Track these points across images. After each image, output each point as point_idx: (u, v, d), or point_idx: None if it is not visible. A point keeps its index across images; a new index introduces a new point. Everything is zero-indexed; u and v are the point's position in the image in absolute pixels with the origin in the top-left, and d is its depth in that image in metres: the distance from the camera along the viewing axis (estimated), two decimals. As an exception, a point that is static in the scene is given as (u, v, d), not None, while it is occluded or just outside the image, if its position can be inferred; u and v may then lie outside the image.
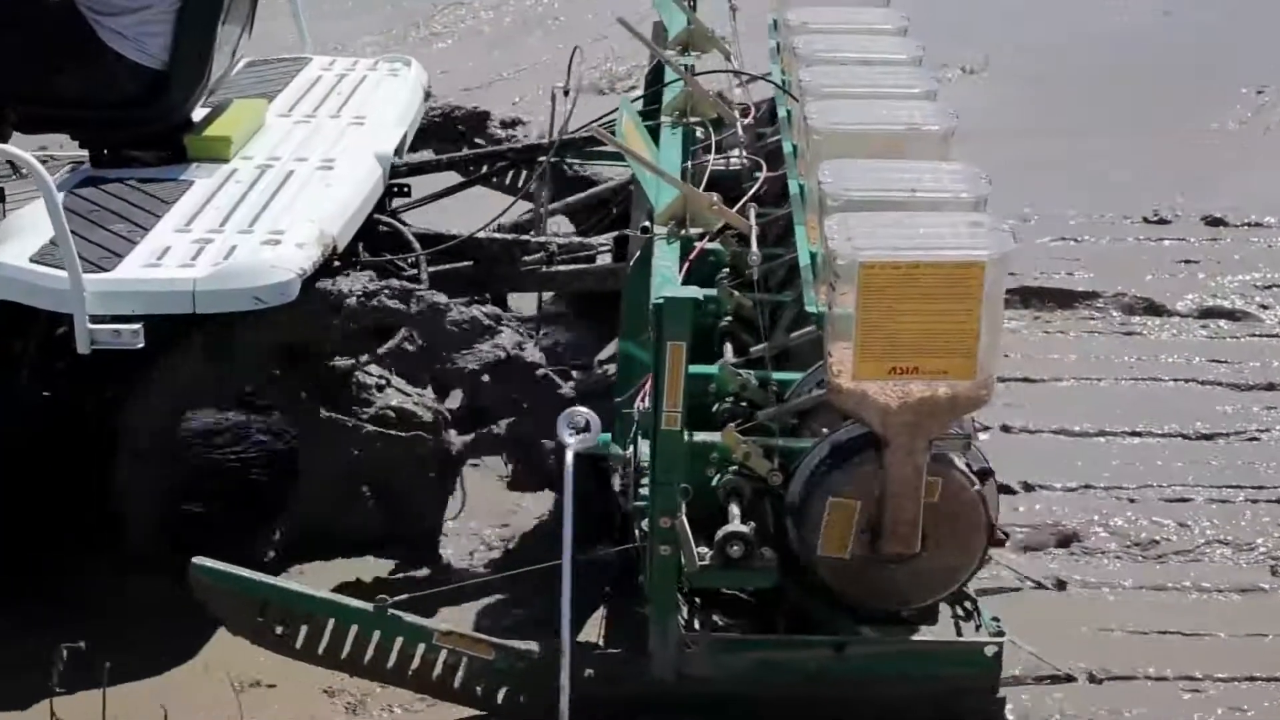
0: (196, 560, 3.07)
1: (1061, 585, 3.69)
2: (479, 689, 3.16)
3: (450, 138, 5.06)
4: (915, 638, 3.12)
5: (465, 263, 4.43)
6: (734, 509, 3.10)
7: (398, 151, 4.44)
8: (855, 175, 3.22)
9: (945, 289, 2.83)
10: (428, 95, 5.06)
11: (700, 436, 3.21)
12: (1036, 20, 8.31)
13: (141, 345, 3.34)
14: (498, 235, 4.50)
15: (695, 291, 2.85)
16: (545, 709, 3.13)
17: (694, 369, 3.54)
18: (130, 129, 4.10)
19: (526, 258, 4.45)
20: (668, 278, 2.90)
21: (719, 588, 3.15)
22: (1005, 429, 4.39)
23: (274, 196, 3.90)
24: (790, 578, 3.18)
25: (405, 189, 4.83)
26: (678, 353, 2.82)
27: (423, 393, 3.98)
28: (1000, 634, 3.20)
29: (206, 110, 4.39)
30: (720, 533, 3.03)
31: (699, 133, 4.14)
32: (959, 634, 3.22)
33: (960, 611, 3.26)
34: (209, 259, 3.51)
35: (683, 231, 3.15)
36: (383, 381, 3.96)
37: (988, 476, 3.11)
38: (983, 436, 3.55)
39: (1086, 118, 6.98)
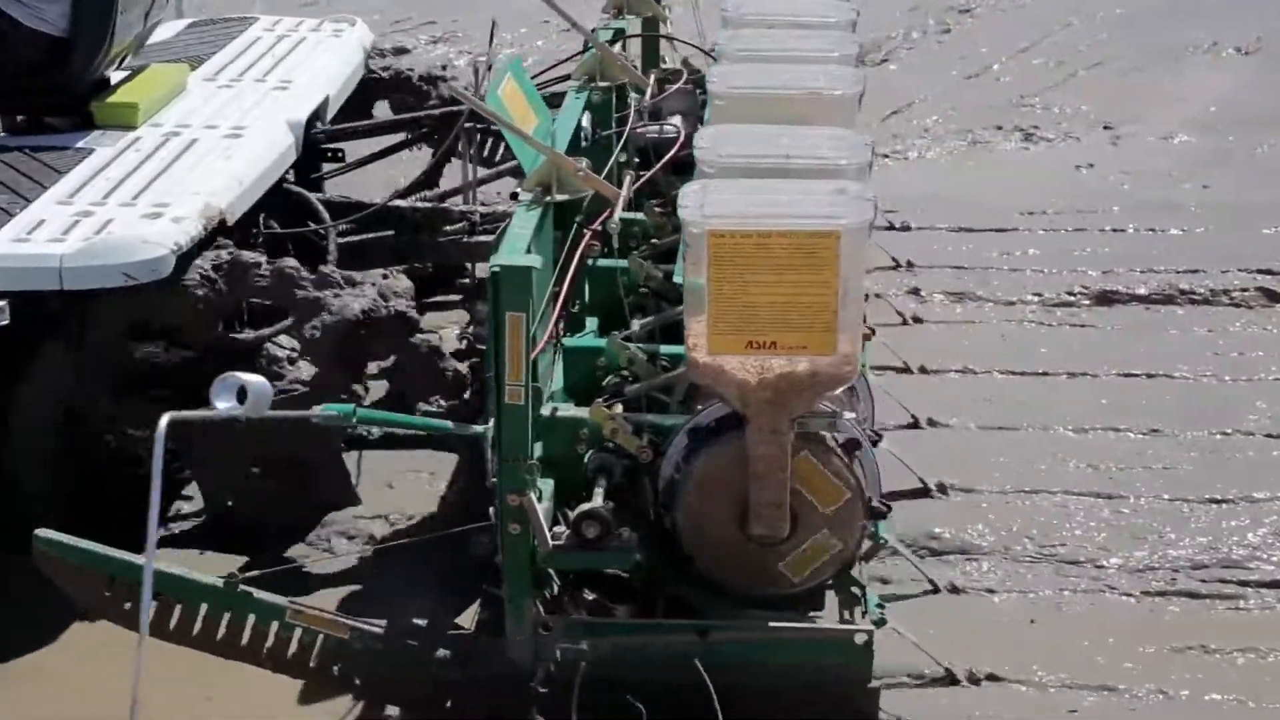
0: (39, 532, 3.00)
1: (955, 589, 3.54)
2: (336, 668, 3.07)
3: (411, 95, 4.95)
4: (783, 624, 2.99)
5: (386, 232, 4.35)
6: (598, 487, 3.00)
7: (318, 117, 4.34)
8: (733, 141, 3.09)
9: (800, 260, 2.70)
10: (370, 56, 4.97)
11: (569, 411, 3.11)
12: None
13: (6, 322, 3.25)
14: (420, 205, 4.40)
15: (533, 259, 2.72)
16: (403, 688, 3.07)
17: (583, 342, 3.47)
18: (33, 97, 4.03)
19: (448, 227, 4.35)
20: (514, 245, 2.78)
21: (574, 569, 3.03)
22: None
23: (169, 167, 3.81)
24: (667, 560, 3.08)
25: (338, 154, 4.74)
26: (516, 324, 2.70)
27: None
28: (882, 622, 3.06)
29: (124, 75, 4.32)
30: (576, 511, 2.92)
31: (632, 99, 4.03)
32: (848, 621, 3.10)
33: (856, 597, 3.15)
34: (81, 234, 3.42)
35: (548, 198, 3.02)
36: (294, 354, 3.88)
37: (855, 449, 2.97)
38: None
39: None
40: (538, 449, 3.05)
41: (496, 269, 2.69)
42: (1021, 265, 5.18)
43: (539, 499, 2.96)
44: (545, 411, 3.07)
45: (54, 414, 3.55)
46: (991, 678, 3.19)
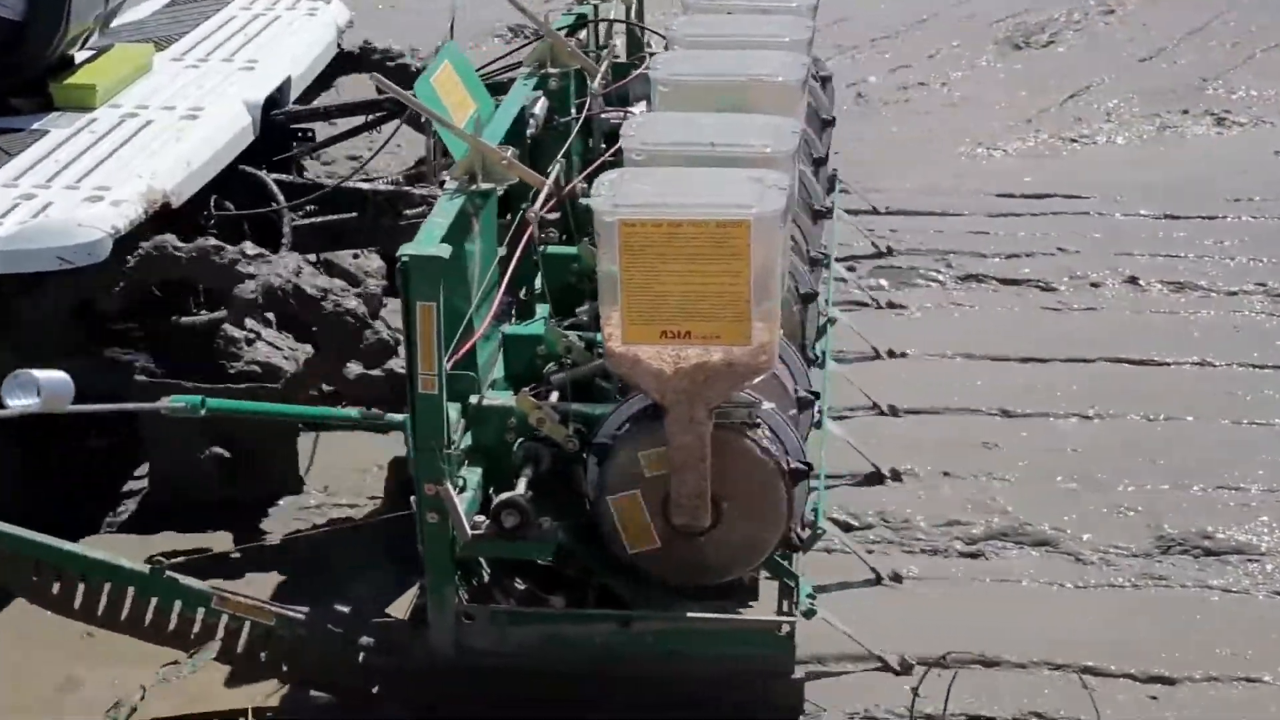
0: (-36, 516, 3.02)
1: (898, 578, 3.51)
2: (263, 655, 3.07)
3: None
4: (705, 614, 2.97)
5: (348, 215, 4.34)
6: (523, 476, 2.98)
7: (279, 97, 4.34)
8: (660, 129, 3.06)
9: (711, 249, 2.66)
10: (343, 33, 4.96)
11: (497, 400, 3.09)
12: None
13: None
14: (382, 187, 4.39)
15: (443, 249, 2.70)
16: (327, 675, 3.08)
17: (523, 330, 3.45)
18: None
19: (409, 210, 4.34)
20: (428, 235, 2.76)
21: (492, 558, 3.02)
22: None
23: (119, 149, 3.81)
24: (597, 551, 3.06)
25: (308, 134, 4.74)
26: (427, 314, 2.68)
27: (295, 347, 3.90)
28: (811, 612, 3.04)
29: (87, 55, 4.33)
30: (496, 500, 2.91)
31: (596, 84, 3.99)
32: (783, 612, 3.08)
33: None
34: (19, 217, 3.43)
35: (473, 186, 2.99)
36: (252, 335, 3.88)
37: (775, 435, 2.92)
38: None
39: None
40: (468, 438, 3.06)
41: (406, 259, 2.68)
42: (1236, 253, 5.11)
43: (460, 488, 2.96)
44: (474, 400, 3.06)
45: None
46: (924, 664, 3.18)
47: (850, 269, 4.99)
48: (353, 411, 3.07)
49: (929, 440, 4.06)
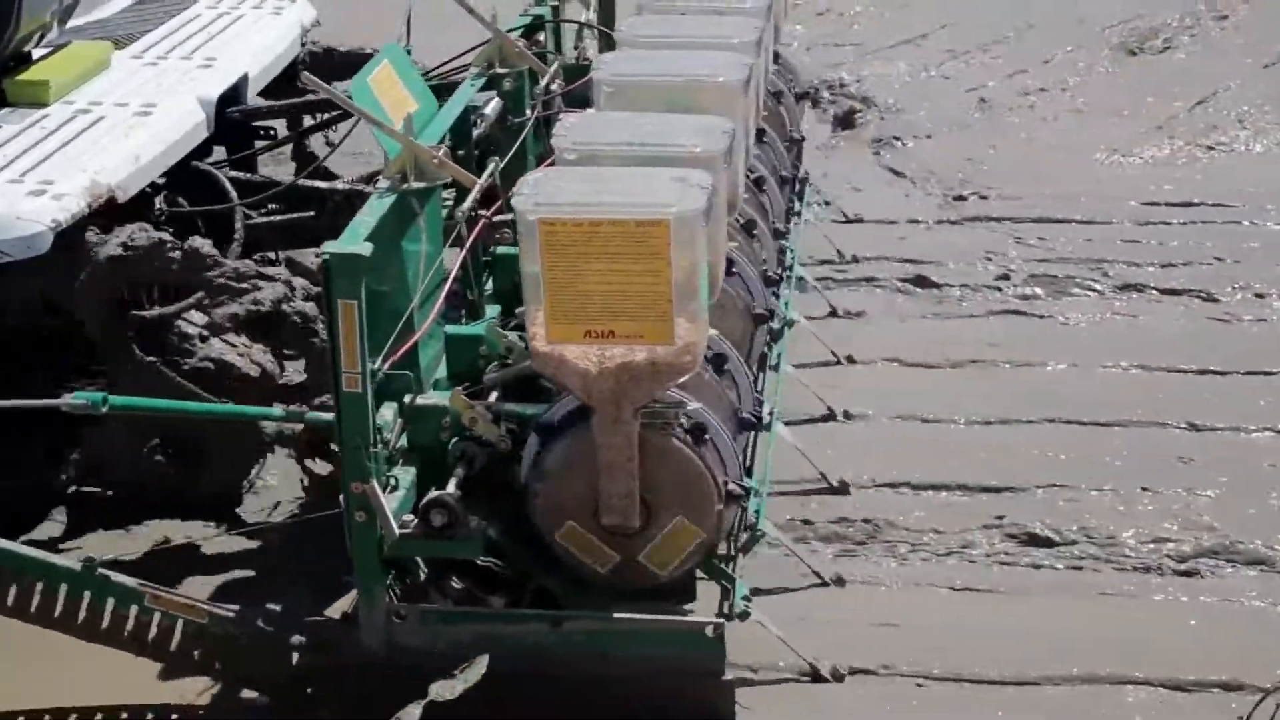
0: (-104, 514, 3.02)
1: (840, 581, 3.50)
2: (196, 653, 3.08)
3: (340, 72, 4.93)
4: (633, 615, 2.96)
5: (306, 214, 4.34)
6: (455, 475, 2.98)
7: (235, 95, 4.34)
8: (592, 129, 3.06)
9: (631, 248, 2.66)
10: (307, 32, 4.96)
11: (431, 399, 3.09)
12: None
13: None
14: (340, 186, 4.39)
15: (365, 247, 2.70)
16: (260, 674, 3.08)
17: (464, 329, 3.45)
18: None
19: (366, 209, 4.33)
20: (352, 233, 2.76)
21: (419, 557, 3.02)
22: None
23: (68, 144, 3.81)
24: (532, 551, 3.06)
25: (269, 132, 4.74)
26: (349, 311, 2.68)
27: (249, 344, 3.90)
28: (745, 615, 3.04)
29: (45, 52, 4.33)
30: (424, 499, 2.91)
31: (556, 84, 4.00)
32: (721, 612, 3.07)
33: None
34: None
35: (405, 185, 2.99)
36: (205, 332, 3.88)
37: (703, 434, 2.92)
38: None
39: None
40: (405, 438, 3.06)
41: (327, 256, 2.68)
42: None
43: (393, 487, 2.96)
44: (408, 399, 3.06)
45: None
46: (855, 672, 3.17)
47: (1004, 277, 4.98)
48: (275, 410, 3.06)
49: (1118, 451, 3.99)
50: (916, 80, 6.96)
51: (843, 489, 3.85)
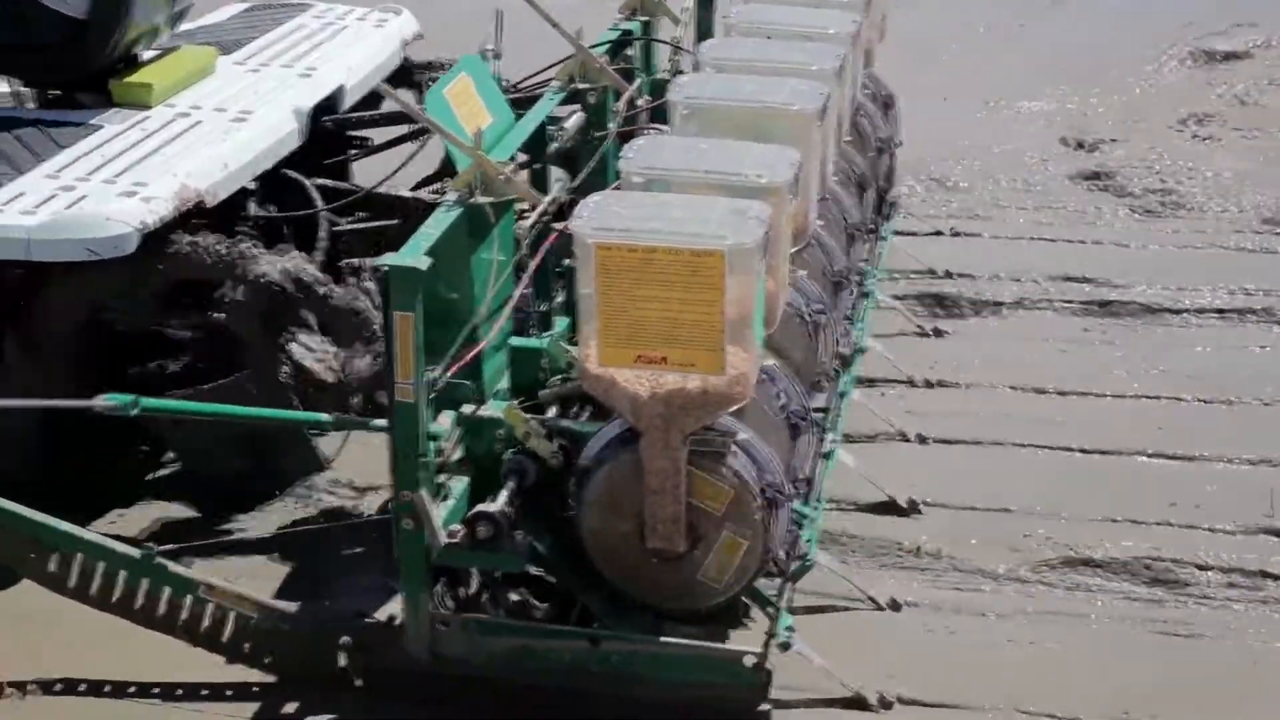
0: (-35, 494, 3.14)
1: (896, 606, 3.48)
2: (246, 645, 3.16)
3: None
4: (673, 639, 2.98)
5: (391, 221, 4.42)
6: (505, 488, 3.02)
7: (330, 105, 4.44)
8: (659, 153, 3.09)
9: (685, 277, 2.69)
10: (408, 44, 5.05)
11: (487, 411, 3.14)
12: None
13: None
14: (425, 196, 4.47)
15: (423, 261, 2.75)
16: (309, 670, 3.15)
17: (527, 342, 3.50)
18: (54, 73, 4.21)
19: (450, 219, 4.40)
20: (413, 246, 2.82)
21: (465, 567, 3.07)
22: None
23: (163, 147, 3.93)
24: (576, 568, 3.09)
25: (365, 142, 4.84)
26: (405, 324, 2.74)
27: (327, 351, 3.99)
28: (786, 645, 3.04)
29: (153, 55, 4.47)
30: (471, 512, 2.95)
31: (641, 101, 4.04)
32: (768, 641, 3.07)
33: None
34: (54, 208, 3.55)
35: (472, 199, 3.05)
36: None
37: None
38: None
39: None
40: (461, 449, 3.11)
41: (386, 269, 2.74)
42: None
43: (444, 496, 3.01)
44: (466, 411, 3.11)
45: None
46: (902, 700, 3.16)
47: None
48: (325, 416, 3.12)
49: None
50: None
51: (912, 509, 3.84)
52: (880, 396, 4.34)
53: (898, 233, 5.23)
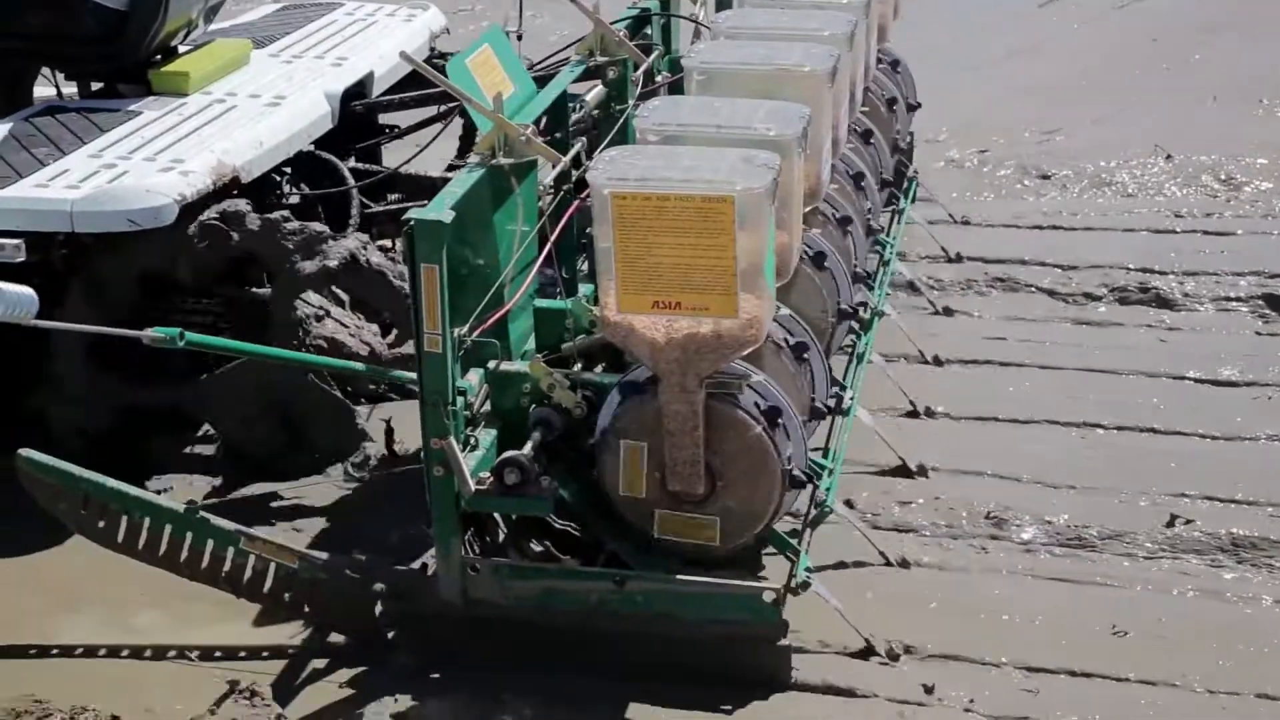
0: (22, 452, 3.28)
1: (905, 563, 3.57)
2: (286, 595, 3.29)
3: None
4: (694, 578, 3.09)
5: (421, 202, 4.56)
6: (531, 439, 3.14)
7: (360, 91, 4.59)
8: (673, 111, 3.21)
9: (698, 223, 2.81)
10: (435, 37, 5.21)
11: (512, 366, 3.26)
12: None
13: (23, 259, 3.57)
14: (449, 175, 4.60)
15: (447, 214, 2.88)
16: (346, 618, 3.27)
17: (552, 304, 3.62)
18: (95, 64, 4.38)
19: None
20: (439, 201, 2.94)
21: (493, 512, 3.19)
22: None
23: (200, 128, 4.09)
24: (602, 514, 3.21)
25: (393, 127, 5.00)
26: (431, 275, 2.86)
27: (361, 324, 4.13)
28: (805, 585, 3.14)
29: (189, 47, 4.64)
30: (500, 458, 3.07)
31: (660, 76, 4.17)
32: (789, 583, 3.17)
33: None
34: (96, 182, 3.72)
35: (494, 161, 3.18)
36: (321, 312, 4.12)
37: (777, 418, 3.05)
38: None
39: None
40: (489, 403, 3.24)
41: (412, 222, 2.86)
42: None
43: (472, 446, 3.14)
44: (492, 365, 3.24)
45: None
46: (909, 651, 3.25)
47: None
48: (358, 365, 3.25)
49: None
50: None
51: (921, 473, 3.93)
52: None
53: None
